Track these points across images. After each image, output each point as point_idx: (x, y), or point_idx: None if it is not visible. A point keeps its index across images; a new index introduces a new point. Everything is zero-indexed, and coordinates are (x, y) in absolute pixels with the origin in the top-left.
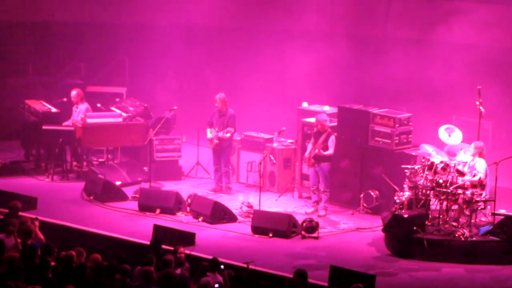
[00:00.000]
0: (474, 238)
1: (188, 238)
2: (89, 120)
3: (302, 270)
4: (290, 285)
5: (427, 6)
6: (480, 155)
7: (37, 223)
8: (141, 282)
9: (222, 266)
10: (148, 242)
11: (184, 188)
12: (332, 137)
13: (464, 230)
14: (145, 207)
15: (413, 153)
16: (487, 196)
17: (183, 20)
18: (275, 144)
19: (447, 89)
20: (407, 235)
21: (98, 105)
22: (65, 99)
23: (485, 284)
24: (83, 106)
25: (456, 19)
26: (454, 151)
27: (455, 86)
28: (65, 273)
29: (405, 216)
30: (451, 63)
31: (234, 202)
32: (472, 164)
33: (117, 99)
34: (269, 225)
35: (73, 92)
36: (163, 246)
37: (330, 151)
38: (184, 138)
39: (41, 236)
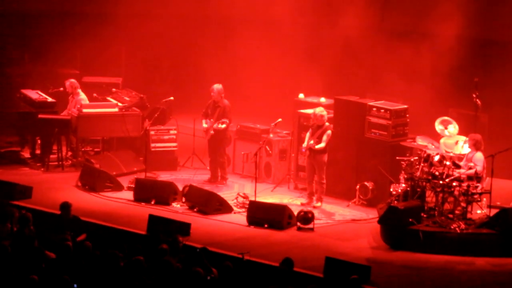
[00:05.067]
0: (469, 230)
1: (183, 228)
2: (84, 110)
3: (289, 258)
4: (277, 272)
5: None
6: (477, 147)
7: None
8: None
9: None
10: (144, 232)
11: (180, 179)
12: (328, 132)
13: (460, 222)
14: (141, 198)
15: (410, 145)
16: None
17: (181, 10)
18: (271, 135)
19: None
20: (403, 227)
21: (94, 95)
22: (61, 89)
23: (483, 270)
24: (79, 96)
25: None
26: (451, 143)
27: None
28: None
29: (401, 208)
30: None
31: (230, 193)
32: (470, 156)
33: (113, 89)
34: (264, 216)
35: (67, 83)
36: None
37: (322, 145)
38: None
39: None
